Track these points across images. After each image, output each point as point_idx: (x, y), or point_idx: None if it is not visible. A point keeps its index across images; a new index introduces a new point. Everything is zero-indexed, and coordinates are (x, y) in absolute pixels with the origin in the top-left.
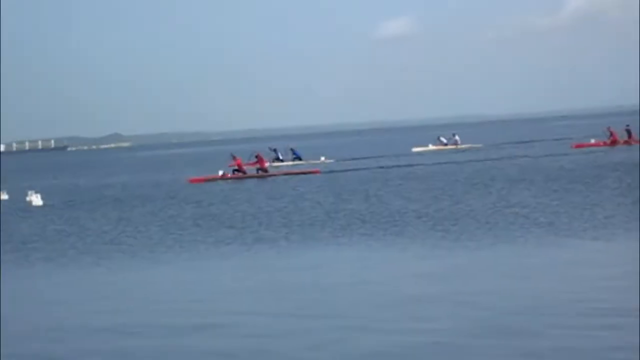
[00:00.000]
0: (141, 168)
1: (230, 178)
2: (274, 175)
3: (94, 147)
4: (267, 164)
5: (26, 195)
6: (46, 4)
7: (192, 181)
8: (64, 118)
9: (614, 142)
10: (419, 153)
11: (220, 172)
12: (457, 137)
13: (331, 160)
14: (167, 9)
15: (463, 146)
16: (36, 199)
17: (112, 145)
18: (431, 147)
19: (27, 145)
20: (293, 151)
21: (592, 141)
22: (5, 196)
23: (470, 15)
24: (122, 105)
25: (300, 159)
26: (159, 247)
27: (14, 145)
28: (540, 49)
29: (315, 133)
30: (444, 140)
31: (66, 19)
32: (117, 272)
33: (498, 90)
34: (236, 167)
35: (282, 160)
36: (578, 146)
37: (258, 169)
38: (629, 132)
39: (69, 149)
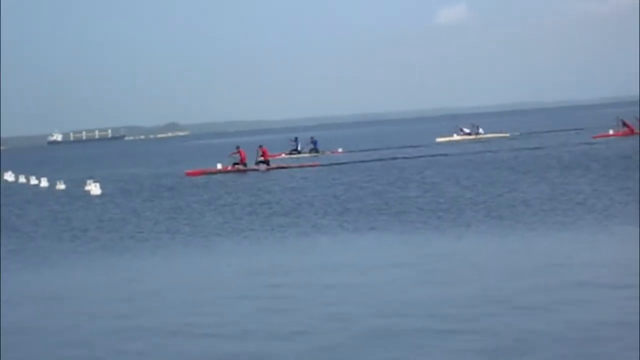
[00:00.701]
0: (196, 157)
1: (230, 171)
2: (273, 169)
3: (151, 136)
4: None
5: (84, 184)
6: None
7: (188, 174)
8: (121, 108)
9: (631, 132)
10: (442, 143)
11: (219, 166)
12: (480, 129)
13: (347, 152)
14: None
15: (487, 136)
16: (95, 188)
17: (169, 134)
18: (455, 137)
19: (84, 135)
20: (313, 141)
21: (611, 132)
22: (62, 186)
23: (529, 1)
24: (179, 94)
25: (317, 151)
26: (216, 235)
27: (71, 135)
28: (600, 35)
29: (372, 121)
30: (467, 130)
31: (120, 7)
32: (174, 261)
33: (555, 77)
34: (238, 159)
35: (299, 152)
36: (598, 137)
37: (261, 162)
38: None
39: (126, 138)
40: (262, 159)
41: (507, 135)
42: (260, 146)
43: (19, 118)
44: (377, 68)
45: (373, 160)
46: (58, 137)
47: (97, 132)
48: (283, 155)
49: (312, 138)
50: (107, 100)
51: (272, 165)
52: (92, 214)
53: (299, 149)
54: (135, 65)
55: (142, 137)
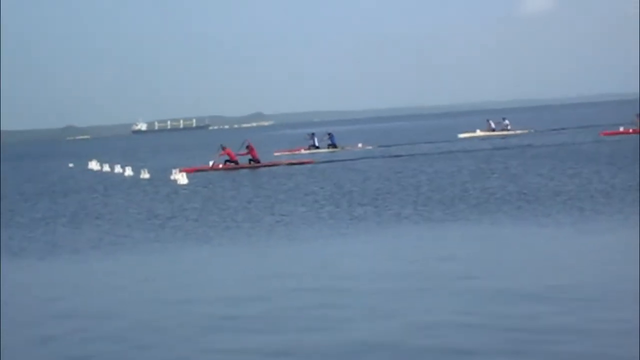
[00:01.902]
0: (279, 146)
1: (222, 168)
2: (267, 165)
3: (235, 126)
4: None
5: (170, 173)
6: None
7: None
8: (206, 97)
9: None
10: (466, 139)
11: (211, 163)
12: (506, 122)
13: (369, 147)
14: None
15: (515, 132)
16: (181, 178)
17: (254, 124)
18: (479, 132)
19: (168, 124)
20: (330, 137)
21: (621, 129)
22: (146, 174)
23: None
24: (264, 84)
25: (335, 146)
26: (302, 223)
27: (156, 124)
28: None
29: (458, 111)
30: (493, 125)
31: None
32: (260, 249)
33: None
34: (227, 158)
35: (317, 147)
36: (606, 134)
37: (250, 160)
38: None
39: (210, 128)
40: (249, 156)
41: (533, 130)
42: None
43: (103, 107)
44: (459, 57)
45: (375, 157)
46: (142, 126)
47: (181, 122)
48: (302, 150)
49: (329, 134)
50: (192, 90)
51: (264, 162)
52: (180, 203)
53: (316, 144)
54: (220, 55)
55: (227, 126)
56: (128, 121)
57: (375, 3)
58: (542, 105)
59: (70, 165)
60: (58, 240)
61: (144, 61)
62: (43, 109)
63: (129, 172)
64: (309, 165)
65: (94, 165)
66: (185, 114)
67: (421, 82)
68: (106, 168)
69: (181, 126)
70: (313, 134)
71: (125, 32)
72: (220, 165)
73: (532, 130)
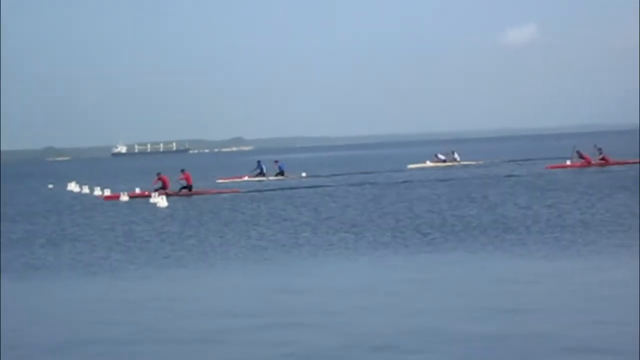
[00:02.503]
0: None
1: (149, 196)
2: (198, 193)
3: (216, 150)
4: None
5: (150, 197)
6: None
7: (107, 198)
8: (187, 121)
9: (588, 164)
10: (415, 169)
11: (137, 190)
12: (456, 155)
13: (311, 176)
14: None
15: (464, 162)
16: (161, 201)
17: (234, 148)
18: (428, 163)
19: (148, 147)
20: (278, 165)
21: (568, 162)
22: (126, 197)
23: (598, 23)
24: (246, 109)
25: (282, 174)
26: (285, 248)
27: (136, 147)
28: None
29: (439, 140)
30: (443, 157)
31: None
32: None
33: (618, 100)
34: (161, 185)
35: (264, 175)
36: (552, 167)
37: (182, 187)
38: (600, 153)
39: (190, 151)
40: (185, 184)
41: (482, 162)
42: (183, 171)
43: (83, 129)
44: (439, 86)
45: (312, 187)
46: (122, 148)
47: (161, 145)
48: (246, 178)
49: (277, 162)
50: (173, 113)
51: (196, 190)
52: (157, 226)
53: (264, 172)
54: (201, 80)
55: (207, 150)
56: (108, 143)
57: (354, 33)
58: (519, 135)
59: (50, 186)
60: (34, 262)
61: (124, 84)
62: (22, 130)
63: (107, 194)
64: (234, 194)
65: (73, 186)
66: (165, 137)
67: (403, 111)
68: (85, 190)
69: (161, 149)
70: (259, 162)
71: (106, 54)
72: (151, 193)
73: (481, 162)
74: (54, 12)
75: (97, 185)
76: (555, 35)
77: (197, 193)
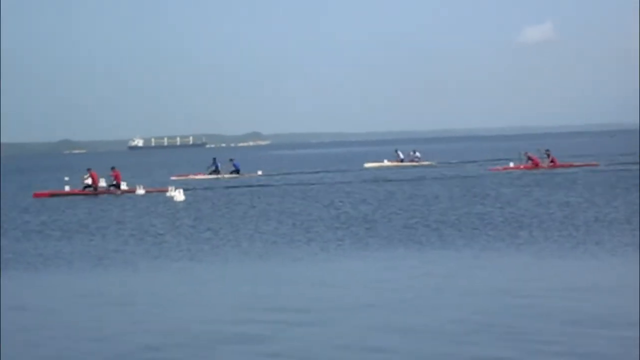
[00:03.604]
0: (277, 166)
1: (80, 193)
2: (127, 192)
3: (232, 144)
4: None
5: (167, 190)
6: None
7: (36, 195)
8: (205, 115)
9: (535, 166)
10: (372, 169)
11: (67, 187)
12: (417, 154)
13: (266, 174)
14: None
15: (424, 163)
16: (179, 195)
17: (251, 143)
18: (386, 162)
19: (165, 141)
20: (233, 163)
21: (511, 165)
22: (141, 191)
23: (611, 23)
24: (263, 104)
25: (238, 172)
26: (291, 242)
27: (153, 140)
28: None
29: (451, 137)
30: (401, 156)
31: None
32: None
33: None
34: (89, 183)
35: (218, 172)
36: (495, 170)
37: (111, 185)
38: (548, 156)
39: (207, 146)
40: (114, 182)
41: (435, 163)
42: (113, 168)
43: (100, 121)
44: (455, 84)
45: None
46: (139, 142)
47: (178, 139)
48: (201, 176)
49: (232, 160)
50: (190, 108)
51: (125, 188)
52: (172, 220)
53: (218, 170)
54: (219, 73)
55: (224, 145)
56: (124, 137)
57: (373, 30)
58: (534, 134)
59: (66, 178)
60: (48, 253)
61: (142, 77)
62: (39, 122)
63: (123, 187)
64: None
65: (89, 180)
66: (182, 132)
67: (423, 107)
68: (102, 183)
69: (178, 143)
70: (215, 159)
71: (124, 48)
72: (77, 190)
73: (436, 163)
74: (74, 5)
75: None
76: (571, 33)
77: (126, 191)
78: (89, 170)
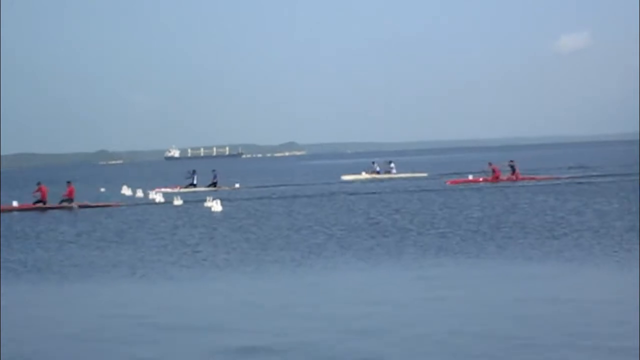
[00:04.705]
0: (313, 177)
1: (28, 209)
2: (81, 207)
3: (268, 155)
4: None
5: (205, 201)
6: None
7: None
8: (241, 126)
9: (496, 179)
10: (349, 181)
11: (15, 203)
12: (392, 165)
13: (244, 187)
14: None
15: (400, 175)
16: (216, 205)
17: (287, 153)
18: (364, 175)
19: (201, 152)
20: (214, 175)
21: (470, 177)
22: (179, 201)
23: None
24: (298, 113)
25: (215, 185)
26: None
27: (189, 151)
28: None
29: (484, 147)
30: (377, 168)
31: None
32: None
33: None
34: (39, 197)
35: (195, 186)
36: (453, 182)
37: (62, 200)
38: (512, 167)
39: (243, 156)
40: (66, 197)
41: (425, 175)
42: (68, 183)
43: (136, 132)
44: (491, 94)
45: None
46: (175, 152)
47: (214, 149)
48: (179, 188)
49: (213, 171)
50: (226, 118)
51: (76, 203)
52: (209, 231)
53: (195, 182)
54: (255, 84)
55: (259, 155)
56: (161, 147)
57: (402, 35)
58: (570, 143)
59: (102, 190)
60: (78, 261)
61: (178, 87)
62: (75, 133)
63: (160, 198)
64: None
65: (125, 190)
66: (218, 142)
67: (459, 116)
68: (139, 194)
69: (214, 154)
70: (193, 172)
71: (161, 59)
72: (26, 205)
73: (410, 174)
74: (115, 12)
75: (150, 189)
76: (608, 42)
77: (85, 206)
78: (38, 184)
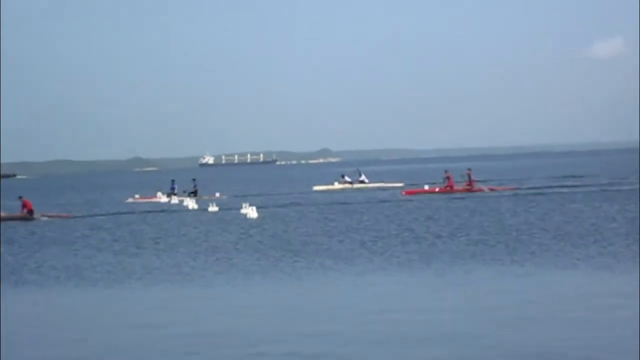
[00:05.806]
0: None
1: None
2: (41, 218)
3: (303, 162)
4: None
5: (240, 207)
6: None
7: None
8: (275, 133)
9: (450, 188)
10: (320, 192)
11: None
12: (363, 176)
13: (225, 197)
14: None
15: (372, 185)
16: (252, 212)
17: (321, 160)
18: (336, 185)
19: (236, 159)
20: (194, 184)
21: (426, 187)
22: (214, 208)
23: None
24: (332, 120)
25: (195, 194)
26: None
27: (223, 158)
28: None
29: (520, 154)
30: (348, 179)
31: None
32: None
33: None
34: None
35: (175, 194)
36: (408, 193)
37: (26, 212)
38: (469, 177)
39: (277, 163)
40: (25, 210)
41: (402, 184)
42: (20, 197)
43: (170, 139)
44: (525, 100)
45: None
46: (209, 159)
47: (249, 156)
48: (160, 197)
49: (194, 180)
50: (261, 125)
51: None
52: (244, 238)
53: (175, 192)
54: (289, 91)
55: (294, 162)
56: (195, 154)
57: (436, 40)
58: (605, 150)
59: (137, 196)
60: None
61: (212, 94)
62: (109, 140)
63: (192, 204)
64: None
65: (160, 197)
66: (252, 149)
67: (492, 123)
68: (174, 200)
69: (248, 160)
70: (173, 181)
71: (195, 64)
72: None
73: (383, 184)
74: (146, 20)
75: (185, 196)
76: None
77: (46, 216)
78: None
